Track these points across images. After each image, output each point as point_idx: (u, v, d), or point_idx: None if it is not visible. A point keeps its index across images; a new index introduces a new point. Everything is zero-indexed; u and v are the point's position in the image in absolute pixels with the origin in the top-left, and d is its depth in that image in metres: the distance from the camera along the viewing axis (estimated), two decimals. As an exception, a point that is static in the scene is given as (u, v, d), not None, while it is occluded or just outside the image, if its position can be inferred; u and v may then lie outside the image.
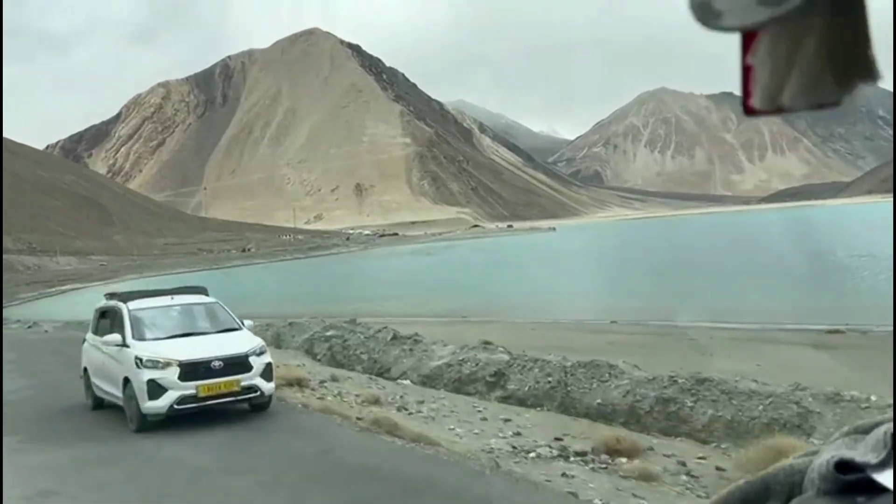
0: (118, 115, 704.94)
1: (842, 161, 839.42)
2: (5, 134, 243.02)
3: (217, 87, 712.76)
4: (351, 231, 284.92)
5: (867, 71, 0.69)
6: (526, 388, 13.77)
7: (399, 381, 16.04)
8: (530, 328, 27.04)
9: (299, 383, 13.35)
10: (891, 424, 0.66)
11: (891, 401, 9.89)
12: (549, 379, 13.50)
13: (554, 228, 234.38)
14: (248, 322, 12.15)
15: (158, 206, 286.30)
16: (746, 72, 0.66)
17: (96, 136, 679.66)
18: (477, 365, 14.96)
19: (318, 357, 19.47)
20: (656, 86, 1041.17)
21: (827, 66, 0.69)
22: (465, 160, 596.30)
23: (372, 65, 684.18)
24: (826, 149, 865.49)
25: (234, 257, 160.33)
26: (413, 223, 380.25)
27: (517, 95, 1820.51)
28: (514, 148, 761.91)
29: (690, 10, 0.66)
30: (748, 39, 0.66)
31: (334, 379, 15.04)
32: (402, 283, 62.88)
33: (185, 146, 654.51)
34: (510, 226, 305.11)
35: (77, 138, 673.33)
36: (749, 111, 0.68)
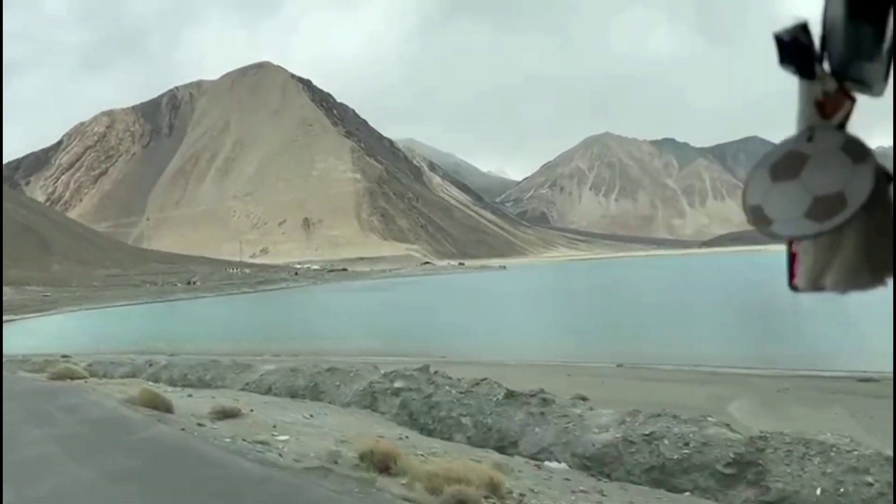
0: (59, 143, 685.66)
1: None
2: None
3: (164, 118, 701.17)
4: (298, 265, 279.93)
5: None
6: (804, 490, 8.65)
7: (544, 462, 11.16)
8: (566, 374, 24.02)
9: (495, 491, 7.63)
10: None
11: None
12: (868, 480, 8.44)
13: (504, 267, 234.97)
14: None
15: (99, 237, 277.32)
16: (792, 257, 0.94)
17: (35, 163, 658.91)
18: (687, 445, 10.04)
19: (386, 415, 15.05)
20: (602, 130, 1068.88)
21: (864, 259, 0.90)
22: (415, 197, 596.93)
23: (322, 100, 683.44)
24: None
25: (179, 290, 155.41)
26: (362, 259, 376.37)
27: (467, 135, 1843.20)
28: (463, 187, 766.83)
29: (744, 211, 0.99)
30: (789, 240, 0.95)
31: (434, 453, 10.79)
32: (363, 320, 61.06)
33: (129, 176, 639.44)
34: (461, 263, 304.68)
35: (15, 165, 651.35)
36: (793, 288, 0.99)
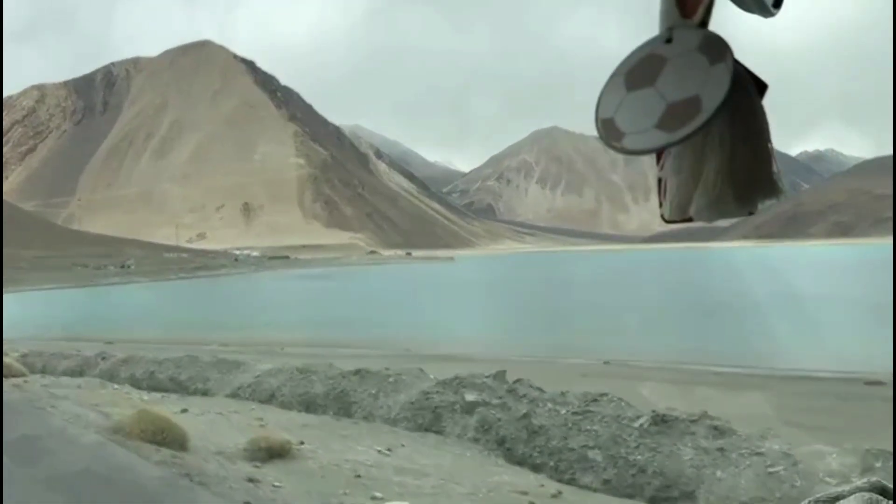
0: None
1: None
2: None
3: (98, 94, 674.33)
4: (238, 252, 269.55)
5: (769, 189, 0.83)
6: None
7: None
8: (576, 373, 20.21)
9: None
10: (861, 494, 0.68)
11: None
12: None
13: (452, 258, 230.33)
14: None
15: (26, 216, 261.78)
16: (659, 183, 0.80)
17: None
18: None
19: (462, 440, 10.55)
20: (550, 124, 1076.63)
21: (729, 184, 0.84)
22: (361, 185, 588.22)
23: (266, 82, 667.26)
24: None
25: (112, 274, 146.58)
26: (304, 247, 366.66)
27: (414, 124, 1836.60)
28: (409, 176, 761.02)
29: (595, 126, 0.79)
30: (660, 153, 0.80)
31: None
32: (313, 309, 56.75)
33: (59, 154, 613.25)
34: (409, 253, 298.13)
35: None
36: (664, 219, 0.83)
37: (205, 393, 14.10)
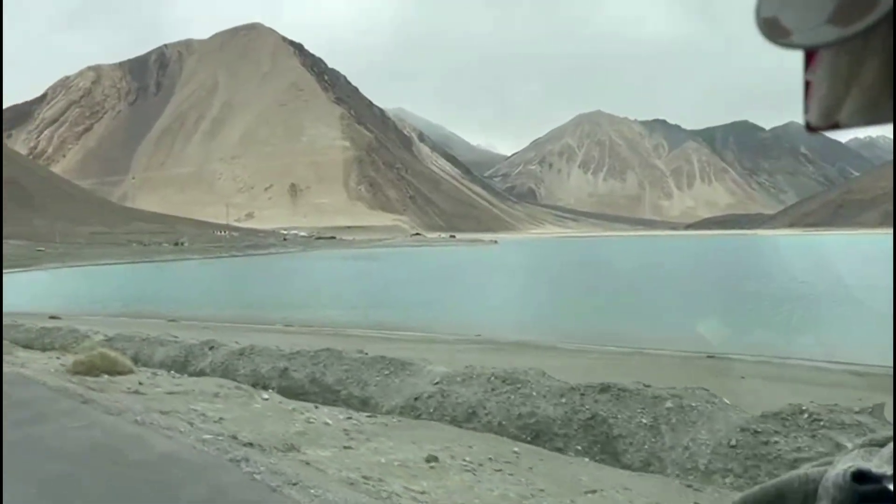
0: (43, 97, 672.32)
1: (765, 194, 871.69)
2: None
3: (151, 75, 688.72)
4: (284, 231, 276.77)
5: None
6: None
7: None
8: (737, 375, 16.42)
9: None
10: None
11: None
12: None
13: (496, 241, 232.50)
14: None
15: (84, 193, 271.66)
16: (807, 88, 0.67)
17: (17, 116, 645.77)
18: None
19: None
20: (593, 108, 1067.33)
21: (885, 86, 0.69)
22: (404, 168, 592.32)
23: (314, 64, 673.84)
24: (751, 181, 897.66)
25: (166, 251, 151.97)
26: (348, 228, 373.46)
27: (457, 108, 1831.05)
28: (452, 159, 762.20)
29: (756, 26, 0.65)
30: (810, 57, 0.66)
31: None
32: (372, 291, 57.81)
33: (114, 133, 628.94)
34: (452, 236, 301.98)
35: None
36: (808, 127, 0.68)
37: (365, 403, 10.27)
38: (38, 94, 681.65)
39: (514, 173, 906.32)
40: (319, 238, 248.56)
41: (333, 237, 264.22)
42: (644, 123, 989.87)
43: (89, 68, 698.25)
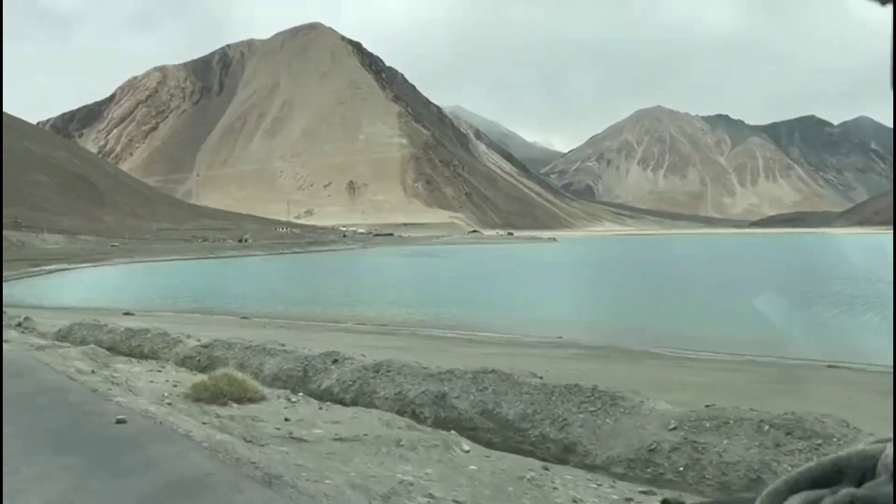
0: (112, 97, 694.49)
1: (833, 191, 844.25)
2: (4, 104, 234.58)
3: (214, 75, 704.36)
4: (344, 228, 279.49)
5: None
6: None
7: None
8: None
9: None
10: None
11: None
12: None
13: (555, 239, 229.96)
14: None
15: (151, 190, 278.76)
16: None
17: (88, 116, 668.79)
18: None
19: None
20: (653, 104, 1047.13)
21: None
22: (461, 165, 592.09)
23: (372, 63, 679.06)
24: (818, 178, 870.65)
25: (230, 247, 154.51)
26: (405, 225, 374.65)
27: (513, 105, 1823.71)
28: (508, 156, 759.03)
29: None
30: None
31: None
32: (432, 287, 57.15)
33: (178, 132, 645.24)
34: (510, 233, 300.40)
35: (69, 117, 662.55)
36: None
37: (568, 450, 7.87)
38: (108, 94, 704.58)
39: (571, 170, 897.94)
40: (377, 235, 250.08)
41: (391, 234, 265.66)
42: (706, 119, 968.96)
43: (155, 69, 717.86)
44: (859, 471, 0.65)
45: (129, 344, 16.41)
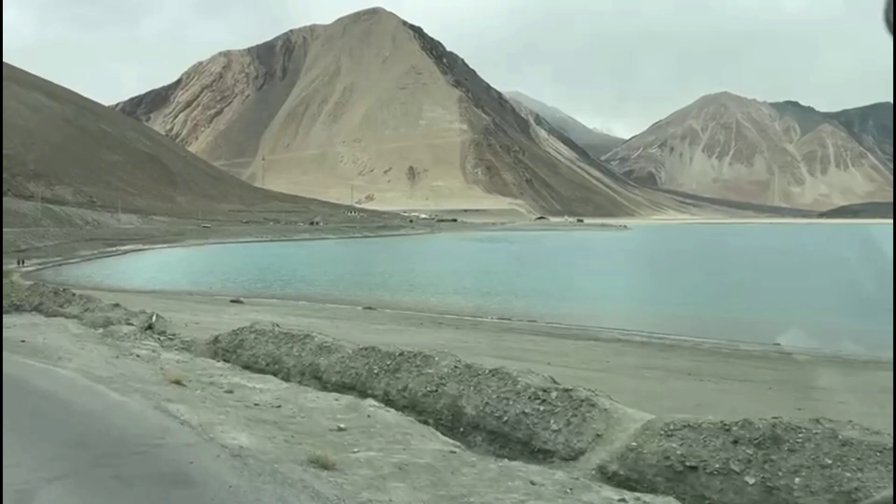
0: (178, 82, 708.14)
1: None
2: (77, 87, 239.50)
3: (277, 61, 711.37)
4: (405, 214, 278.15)
5: None
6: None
7: None
8: None
9: None
10: None
11: None
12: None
13: (626, 226, 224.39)
14: None
15: (220, 173, 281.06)
16: None
17: (155, 100, 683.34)
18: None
19: None
20: (719, 90, 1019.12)
21: None
22: (521, 151, 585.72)
23: (432, 48, 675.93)
24: (892, 167, 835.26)
25: (302, 230, 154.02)
26: (465, 211, 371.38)
27: (573, 91, 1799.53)
28: (569, 142, 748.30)
29: (885, 24, 1.18)
30: None
31: None
32: (531, 277, 53.32)
33: (242, 117, 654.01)
34: (580, 220, 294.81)
35: (137, 101, 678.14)
36: None
37: None
38: (174, 79, 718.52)
39: (632, 157, 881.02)
40: (441, 221, 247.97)
41: (455, 220, 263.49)
42: (774, 105, 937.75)
43: (221, 54, 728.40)
44: None
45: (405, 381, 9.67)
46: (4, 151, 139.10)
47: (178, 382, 10.04)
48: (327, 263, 72.70)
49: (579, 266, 63.83)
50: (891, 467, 5.52)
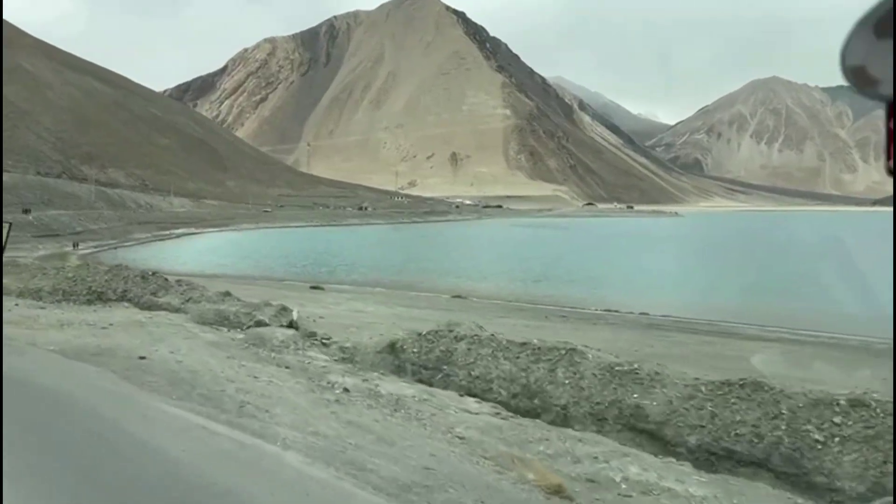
0: (224, 68, 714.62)
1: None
2: (128, 73, 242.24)
3: (321, 47, 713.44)
4: (449, 199, 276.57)
5: None
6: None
7: None
8: None
9: None
10: None
11: None
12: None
13: (677, 213, 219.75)
14: None
15: (267, 158, 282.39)
16: (890, 135, 0.79)
17: (202, 87, 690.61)
18: None
19: None
20: (769, 74, 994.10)
21: None
22: (565, 136, 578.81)
23: (476, 33, 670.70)
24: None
25: (351, 215, 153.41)
26: (509, 197, 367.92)
27: (617, 76, 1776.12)
28: (613, 128, 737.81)
29: (842, 74, 0.80)
30: (893, 107, 0.77)
31: None
32: (600, 263, 50.51)
33: (287, 103, 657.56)
34: (630, 206, 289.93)
35: (185, 88, 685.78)
36: (890, 173, 0.76)
37: None
38: (220, 66, 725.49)
39: (678, 143, 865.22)
40: (486, 207, 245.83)
41: (500, 206, 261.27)
42: (826, 90, 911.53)
43: (265, 40, 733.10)
44: None
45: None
46: (59, 135, 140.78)
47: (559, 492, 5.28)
48: (384, 248, 71.27)
49: (664, 254, 60.75)
50: None
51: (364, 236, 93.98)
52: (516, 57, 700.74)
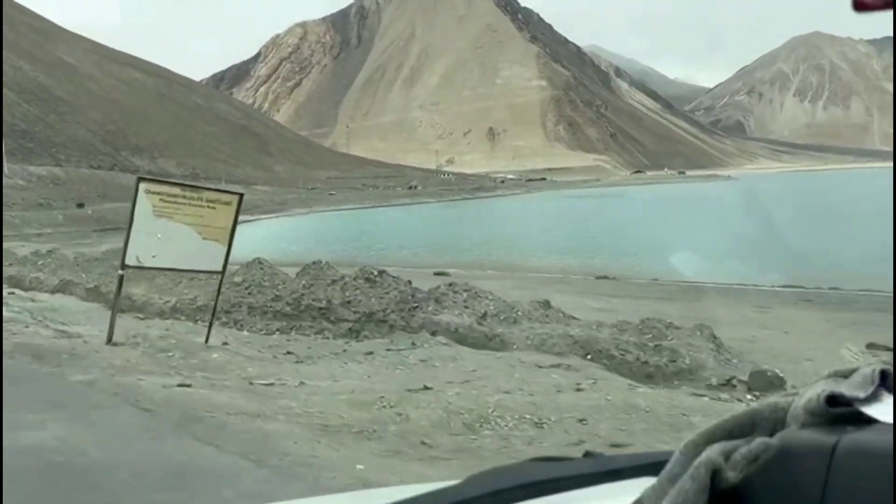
0: (257, 56, 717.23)
1: None
2: (163, 65, 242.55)
3: (352, 29, 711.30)
4: (492, 175, 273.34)
5: None
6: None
7: None
8: None
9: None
10: (875, 366, 0.66)
11: None
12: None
13: (731, 177, 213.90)
14: None
15: (309, 141, 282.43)
16: None
17: (237, 75, 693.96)
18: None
19: None
20: (810, 30, 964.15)
21: None
22: (604, 105, 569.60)
23: (507, 4, 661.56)
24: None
25: (401, 195, 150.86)
26: (550, 170, 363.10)
27: (652, 41, 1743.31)
28: (652, 94, 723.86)
29: None
30: None
31: None
32: (686, 235, 45.96)
33: (321, 87, 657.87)
34: (682, 172, 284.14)
35: (220, 77, 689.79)
36: (858, 6, 0.62)
37: None
38: (253, 53, 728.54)
39: (718, 106, 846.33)
40: (530, 180, 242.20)
41: (543, 178, 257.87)
42: (872, 42, 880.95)
43: (297, 25, 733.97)
44: (771, 422, 0.70)
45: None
46: (107, 127, 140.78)
47: None
48: (461, 226, 68.05)
49: (809, 221, 55.24)
50: None
51: (425, 215, 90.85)
52: (549, 26, 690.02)
